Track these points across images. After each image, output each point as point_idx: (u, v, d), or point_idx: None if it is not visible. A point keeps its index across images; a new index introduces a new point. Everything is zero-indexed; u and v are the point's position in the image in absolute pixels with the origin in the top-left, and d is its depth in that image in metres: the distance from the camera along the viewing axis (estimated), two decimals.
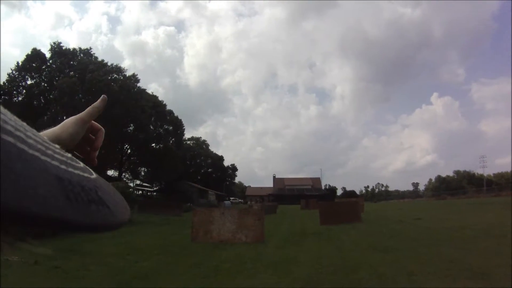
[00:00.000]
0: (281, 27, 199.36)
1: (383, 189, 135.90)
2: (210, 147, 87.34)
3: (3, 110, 0.22)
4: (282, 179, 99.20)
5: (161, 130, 52.04)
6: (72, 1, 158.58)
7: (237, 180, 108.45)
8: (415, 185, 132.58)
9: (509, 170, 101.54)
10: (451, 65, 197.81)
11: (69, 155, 0.23)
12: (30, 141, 0.20)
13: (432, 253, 9.51)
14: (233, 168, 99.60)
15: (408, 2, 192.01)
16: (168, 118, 52.88)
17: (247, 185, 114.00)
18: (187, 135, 74.05)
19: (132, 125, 45.51)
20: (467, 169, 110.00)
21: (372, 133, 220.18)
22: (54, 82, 37.80)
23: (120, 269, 8.03)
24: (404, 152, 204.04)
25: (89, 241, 12.24)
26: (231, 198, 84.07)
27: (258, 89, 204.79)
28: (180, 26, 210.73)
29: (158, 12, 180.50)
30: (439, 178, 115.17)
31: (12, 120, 0.21)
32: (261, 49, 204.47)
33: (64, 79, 37.64)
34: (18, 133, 0.18)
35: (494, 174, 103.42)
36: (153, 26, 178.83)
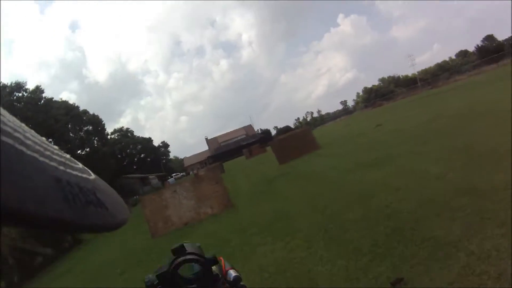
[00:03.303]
0: None
1: (316, 115, 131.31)
2: (135, 133, 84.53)
3: (2, 111, 0.18)
4: (215, 138, 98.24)
5: (82, 133, 49.78)
6: None
7: (172, 155, 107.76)
8: (344, 102, 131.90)
9: (431, 64, 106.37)
10: None
11: (68, 156, 0.25)
12: (29, 142, 0.18)
13: (429, 149, 8.05)
14: (165, 145, 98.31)
15: None
16: (84, 118, 50.86)
17: (183, 158, 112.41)
18: (109, 129, 71.64)
19: (50, 139, 43.55)
20: (391, 74, 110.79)
21: (288, 68, 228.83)
22: None
23: None
24: (323, 77, 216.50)
25: None
26: (173, 174, 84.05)
27: (165, 61, 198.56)
28: (73, 26, 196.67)
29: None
30: (365, 89, 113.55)
31: (10, 121, 0.17)
32: (158, 22, 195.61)
33: None
34: (16, 134, 0.16)
35: (418, 72, 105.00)
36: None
